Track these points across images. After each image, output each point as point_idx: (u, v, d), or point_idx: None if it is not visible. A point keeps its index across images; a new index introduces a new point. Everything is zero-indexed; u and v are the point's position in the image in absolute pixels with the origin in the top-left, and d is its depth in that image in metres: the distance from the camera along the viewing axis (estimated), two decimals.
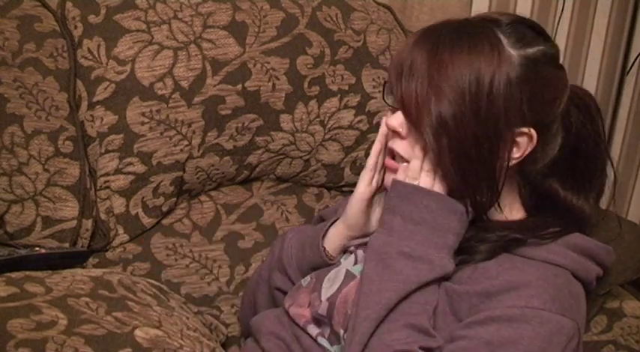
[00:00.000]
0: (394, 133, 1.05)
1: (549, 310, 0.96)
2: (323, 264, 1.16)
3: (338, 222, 1.17)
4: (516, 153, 1.02)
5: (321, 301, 1.11)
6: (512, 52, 1.00)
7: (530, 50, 1.01)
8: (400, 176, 1.04)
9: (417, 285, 0.99)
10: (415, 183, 1.02)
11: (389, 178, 1.08)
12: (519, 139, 1.01)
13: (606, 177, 1.12)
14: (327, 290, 1.11)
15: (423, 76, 0.99)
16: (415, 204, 1.01)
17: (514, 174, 1.06)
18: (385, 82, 1.09)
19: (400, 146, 1.05)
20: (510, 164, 1.02)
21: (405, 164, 1.05)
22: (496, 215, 1.07)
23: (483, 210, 1.04)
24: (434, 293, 1.00)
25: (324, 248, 1.16)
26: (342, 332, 1.05)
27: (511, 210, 1.09)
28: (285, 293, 1.20)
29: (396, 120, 1.04)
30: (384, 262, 1.00)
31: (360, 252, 1.12)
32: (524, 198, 1.10)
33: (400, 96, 1.02)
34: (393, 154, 1.08)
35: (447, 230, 1.01)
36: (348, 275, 1.10)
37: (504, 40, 1.00)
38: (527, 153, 1.02)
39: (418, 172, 1.02)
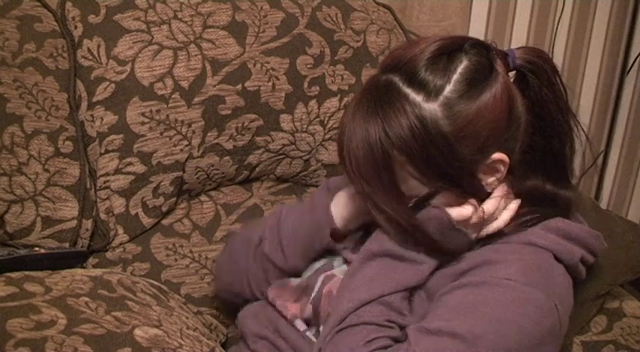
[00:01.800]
0: None
1: (515, 280, 0.97)
2: (324, 236, 1.14)
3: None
4: (494, 177, 1.02)
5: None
6: (433, 107, 0.94)
7: (449, 87, 0.95)
8: None
9: (414, 285, 1.02)
10: None
11: None
12: (492, 166, 1.01)
13: (575, 141, 1.08)
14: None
15: (361, 175, 0.98)
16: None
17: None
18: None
19: None
20: (493, 186, 1.03)
21: None
22: None
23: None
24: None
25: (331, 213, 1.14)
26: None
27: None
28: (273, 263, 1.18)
29: None
30: (391, 258, 1.03)
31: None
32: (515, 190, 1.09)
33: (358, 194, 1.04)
34: None
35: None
36: (328, 277, 1.11)
37: (418, 98, 0.94)
38: (505, 171, 1.02)
39: None
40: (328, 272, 1.13)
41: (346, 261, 1.15)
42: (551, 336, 0.98)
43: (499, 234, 1.05)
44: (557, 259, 1.03)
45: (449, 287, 1.00)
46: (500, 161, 1.00)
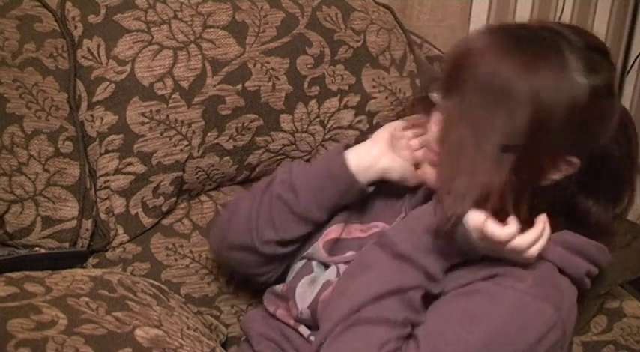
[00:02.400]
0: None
1: (532, 295, 0.97)
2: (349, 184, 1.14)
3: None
4: (555, 175, 1.02)
5: (298, 308, 1.12)
6: (580, 80, 0.97)
7: (597, 80, 0.98)
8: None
9: (408, 288, 0.98)
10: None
11: (428, 169, 1.09)
12: (562, 165, 1.01)
13: (633, 195, 1.11)
14: (304, 296, 1.12)
15: (484, 90, 0.97)
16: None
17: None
18: (435, 78, 1.09)
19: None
20: (547, 184, 1.02)
21: None
22: None
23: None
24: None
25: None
26: None
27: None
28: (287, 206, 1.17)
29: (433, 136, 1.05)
30: (392, 254, 1.00)
31: (342, 267, 1.13)
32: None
33: (455, 106, 1.01)
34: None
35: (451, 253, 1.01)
36: (327, 284, 1.11)
37: (573, 65, 0.97)
38: (565, 177, 1.02)
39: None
40: (325, 280, 1.13)
41: (326, 266, 1.15)
42: (555, 348, 0.99)
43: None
44: (562, 272, 1.04)
45: (466, 290, 0.99)
46: (573, 165, 1.01)
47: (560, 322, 0.98)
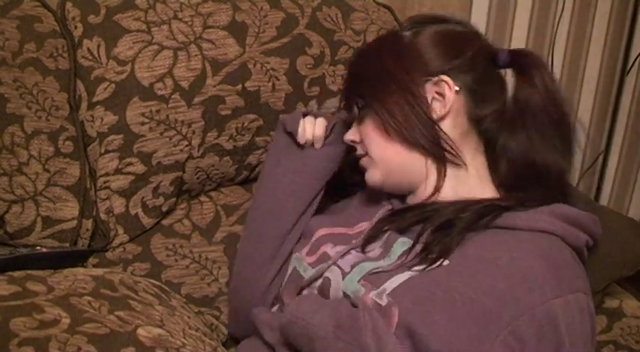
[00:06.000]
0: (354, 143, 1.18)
1: (560, 295, 0.96)
2: None
3: None
4: (442, 108, 1.08)
5: None
6: (403, 33, 1.13)
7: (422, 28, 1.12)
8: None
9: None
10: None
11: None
12: (438, 89, 1.08)
13: (574, 132, 1.13)
14: None
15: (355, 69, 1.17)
16: None
17: (470, 134, 1.11)
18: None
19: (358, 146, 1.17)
20: (440, 114, 1.08)
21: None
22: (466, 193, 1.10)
23: (439, 165, 1.10)
24: None
25: None
26: None
27: (483, 188, 1.11)
28: None
29: (351, 133, 1.18)
30: None
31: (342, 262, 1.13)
32: (495, 175, 1.13)
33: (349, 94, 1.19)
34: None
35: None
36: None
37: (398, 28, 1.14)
38: (451, 100, 1.08)
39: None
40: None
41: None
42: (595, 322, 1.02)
43: (498, 209, 1.05)
44: (565, 242, 1.04)
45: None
46: (446, 83, 1.08)
47: (589, 297, 1.00)
